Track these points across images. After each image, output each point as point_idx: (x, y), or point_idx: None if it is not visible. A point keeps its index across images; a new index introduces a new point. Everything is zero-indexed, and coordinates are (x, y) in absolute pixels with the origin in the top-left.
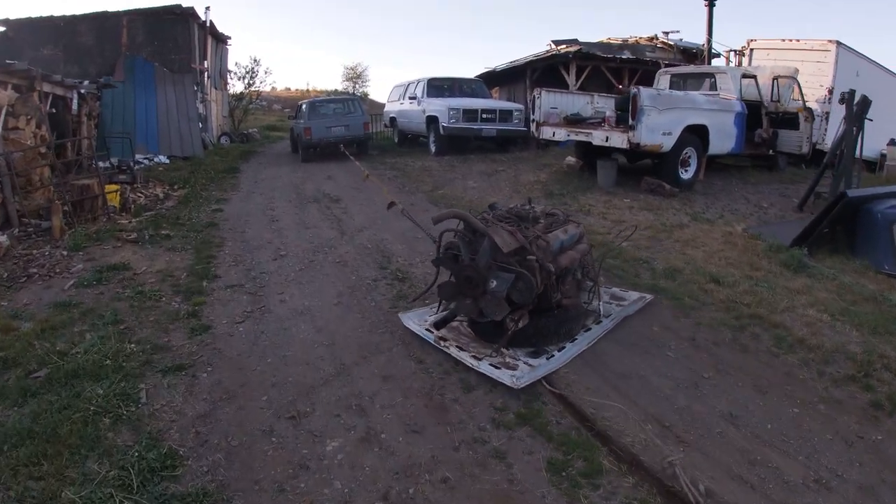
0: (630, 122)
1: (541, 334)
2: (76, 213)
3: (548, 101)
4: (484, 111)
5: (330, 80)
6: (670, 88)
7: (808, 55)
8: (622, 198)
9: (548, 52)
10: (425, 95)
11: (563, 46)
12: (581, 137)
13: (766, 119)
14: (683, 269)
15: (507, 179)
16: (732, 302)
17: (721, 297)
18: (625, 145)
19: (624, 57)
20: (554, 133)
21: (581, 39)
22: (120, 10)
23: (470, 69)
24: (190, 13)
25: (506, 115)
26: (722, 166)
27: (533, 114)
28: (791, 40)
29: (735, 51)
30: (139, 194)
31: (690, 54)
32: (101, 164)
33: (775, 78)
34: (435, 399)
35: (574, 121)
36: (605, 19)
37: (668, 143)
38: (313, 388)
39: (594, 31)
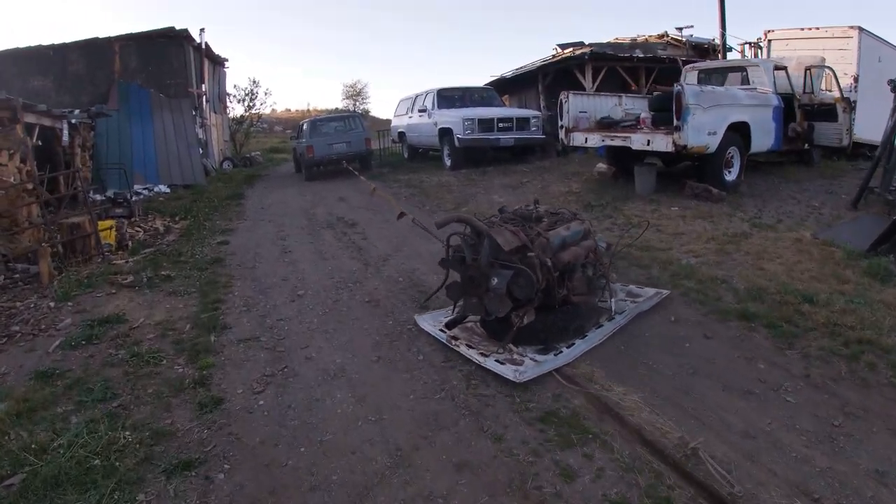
0: (674, 122)
1: (549, 331)
2: (67, 254)
3: (576, 104)
4: (500, 120)
5: (330, 99)
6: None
7: (830, 43)
8: (667, 205)
9: (554, 56)
10: (436, 107)
11: (576, 49)
12: (618, 142)
13: (799, 112)
14: (768, 287)
15: (535, 191)
16: (834, 325)
17: (820, 320)
18: (669, 148)
19: (640, 56)
20: (586, 139)
21: (586, 42)
22: (111, 35)
23: (469, 80)
24: (184, 36)
25: (523, 123)
26: (756, 164)
27: (561, 119)
28: (810, 28)
29: (750, 43)
30: (137, 229)
31: (702, 50)
32: (97, 196)
33: (808, 68)
34: (532, 497)
35: (607, 124)
36: (602, 22)
37: (713, 144)
38: (367, 489)
39: (593, 33)
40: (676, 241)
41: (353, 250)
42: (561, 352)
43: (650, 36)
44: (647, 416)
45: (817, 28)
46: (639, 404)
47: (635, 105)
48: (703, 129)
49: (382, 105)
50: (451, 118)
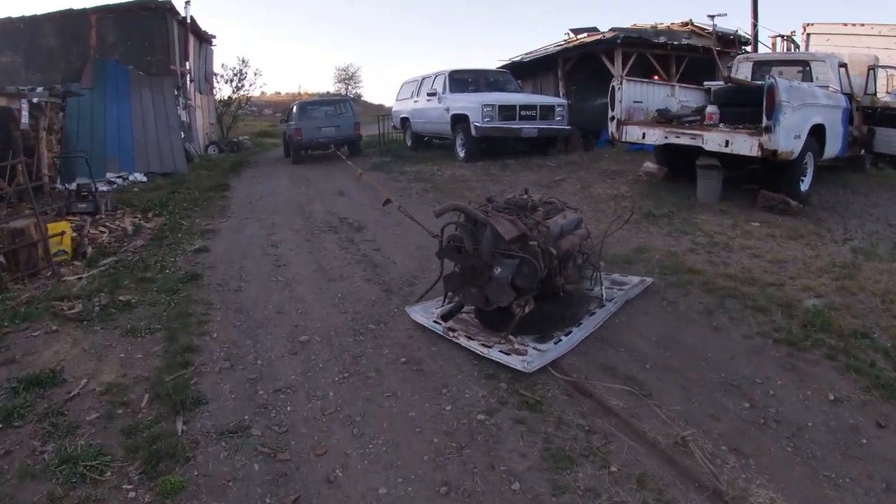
0: (764, 122)
1: (547, 320)
2: (10, 268)
3: (630, 93)
4: (523, 107)
5: (322, 82)
6: (752, 79)
7: (875, 41)
8: (743, 218)
9: (568, 41)
10: (448, 91)
11: (605, 33)
12: (685, 140)
13: (858, 115)
14: None
15: (574, 192)
16: None
17: None
18: (754, 152)
19: (674, 43)
20: (644, 134)
21: (599, 28)
22: (87, 6)
23: (472, 63)
24: (167, 8)
25: (547, 112)
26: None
27: (612, 109)
28: (854, 24)
29: (782, 36)
30: (102, 229)
31: (727, 40)
32: (66, 186)
33: (871, 68)
34: None
35: (668, 119)
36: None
37: (797, 148)
38: None
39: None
40: (783, 273)
41: (366, 267)
42: (560, 340)
43: (673, 24)
44: None
45: (862, 24)
46: None
47: (688, 96)
48: (791, 131)
49: (375, 89)
50: (467, 104)
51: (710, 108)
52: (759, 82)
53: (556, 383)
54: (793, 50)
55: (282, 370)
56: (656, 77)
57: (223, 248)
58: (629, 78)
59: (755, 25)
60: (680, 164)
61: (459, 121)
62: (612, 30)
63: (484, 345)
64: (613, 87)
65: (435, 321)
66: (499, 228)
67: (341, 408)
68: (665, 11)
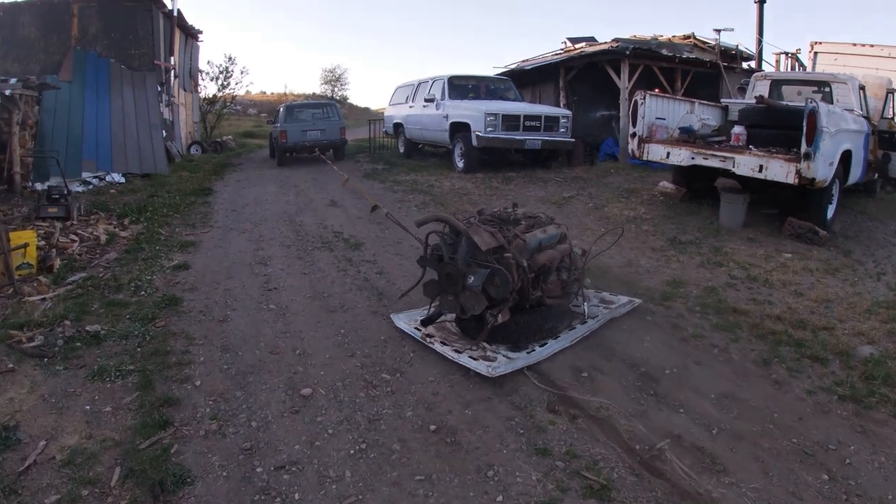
0: (804, 148)
1: (522, 331)
2: None
3: (653, 108)
4: (527, 117)
5: (308, 83)
6: (769, 97)
7: (885, 63)
8: (774, 248)
9: (566, 49)
10: (447, 97)
11: (613, 43)
12: (713, 163)
13: (872, 139)
14: None
15: (587, 212)
16: None
17: None
18: (790, 180)
19: (683, 56)
20: (669, 153)
21: (597, 38)
22: None
23: (461, 70)
24: None
25: (552, 123)
26: None
27: (633, 125)
28: (864, 45)
29: (787, 53)
30: (73, 237)
31: (729, 55)
32: (38, 186)
33: (890, 91)
34: None
35: (693, 138)
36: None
37: (829, 176)
38: None
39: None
40: (829, 314)
41: (369, 295)
42: (534, 350)
43: (674, 36)
44: None
45: (871, 45)
46: None
47: (708, 114)
48: (828, 158)
49: (362, 92)
50: (468, 111)
51: (737, 129)
52: (795, 104)
53: (620, 459)
54: (797, 69)
55: (283, 436)
56: (657, 90)
57: (206, 265)
58: (652, 93)
59: (760, 42)
60: (697, 184)
61: (459, 129)
62: (616, 40)
63: (456, 350)
64: (636, 102)
65: (416, 328)
66: (476, 239)
67: (363, 496)
68: (656, 24)
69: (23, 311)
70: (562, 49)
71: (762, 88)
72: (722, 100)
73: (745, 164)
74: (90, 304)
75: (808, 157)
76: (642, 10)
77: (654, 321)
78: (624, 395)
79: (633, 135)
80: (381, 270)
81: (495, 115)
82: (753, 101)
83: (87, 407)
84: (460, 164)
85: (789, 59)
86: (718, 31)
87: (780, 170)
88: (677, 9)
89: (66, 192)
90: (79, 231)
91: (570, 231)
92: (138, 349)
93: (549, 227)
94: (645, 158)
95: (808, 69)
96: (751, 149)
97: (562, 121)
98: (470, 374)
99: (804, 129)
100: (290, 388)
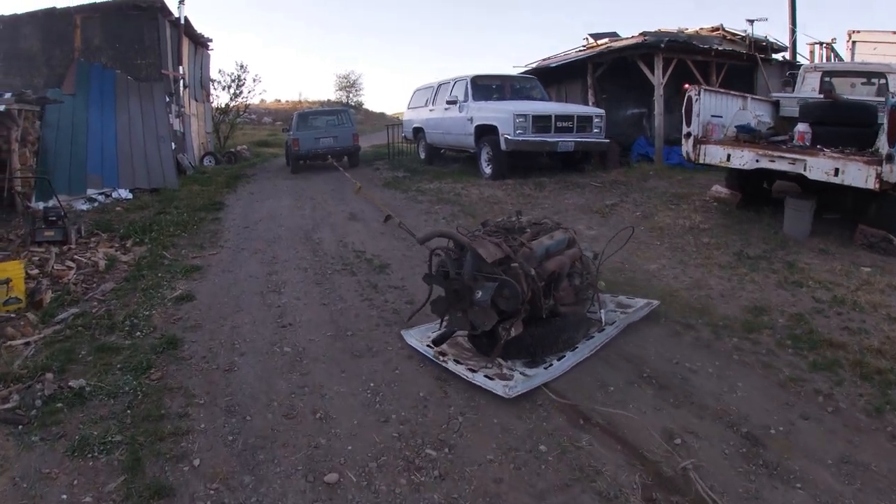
0: (887, 149)
1: (539, 344)
2: None
3: (708, 105)
4: (559, 118)
5: (323, 89)
6: (820, 91)
7: None
8: (849, 260)
9: (585, 45)
10: (471, 98)
11: (645, 36)
12: (782, 166)
13: None
14: None
15: (636, 222)
16: None
17: None
18: (870, 184)
19: (719, 49)
20: (730, 156)
21: (620, 34)
22: (71, 6)
23: (479, 70)
24: (158, 7)
25: (585, 123)
26: None
27: (687, 125)
28: None
29: (821, 43)
30: (70, 264)
31: (760, 47)
32: (40, 205)
33: None
34: None
35: (755, 138)
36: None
37: None
38: None
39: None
40: None
41: (400, 331)
42: (551, 364)
43: (701, 29)
44: None
45: None
46: None
47: (761, 110)
48: None
49: (377, 97)
50: (495, 113)
51: (801, 127)
52: (865, 99)
53: None
54: (832, 59)
55: None
56: (686, 86)
57: (212, 295)
58: (707, 88)
59: (794, 32)
60: (751, 188)
61: (485, 132)
62: (644, 34)
63: (471, 369)
64: (690, 98)
65: (427, 345)
66: (481, 251)
67: None
68: (669, 18)
69: (4, 357)
70: (584, 45)
71: (812, 81)
72: (772, 94)
73: (819, 168)
74: (78, 350)
75: (890, 159)
76: (655, 5)
77: (743, 360)
78: (730, 468)
79: (688, 135)
80: (411, 300)
81: (525, 115)
82: (809, 95)
83: (64, 496)
84: (487, 170)
85: (824, 50)
86: (751, 21)
87: (857, 174)
88: (694, 2)
89: (62, 213)
90: (76, 256)
91: (624, 246)
92: (128, 411)
93: (555, 232)
94: (702, 161)
95: (847, 59)
96: (823, 150)
97: (595, 120)
98: (538, 448)
99: (887, 126)
100: (310, 469)
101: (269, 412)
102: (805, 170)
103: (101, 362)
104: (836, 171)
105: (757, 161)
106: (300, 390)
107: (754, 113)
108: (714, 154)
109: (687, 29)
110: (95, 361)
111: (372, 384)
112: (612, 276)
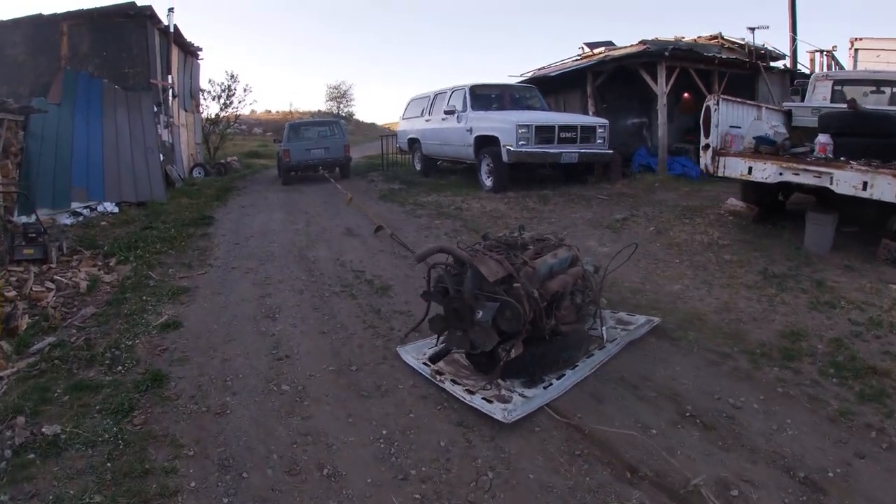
0: None
1: (539, 363)
2: None
3: (726, 115)
4: (562, 128)
5: (314, 100)
6: (832, 101)
7: None
8: (877, 277)
9: (580, 55)
10: (469, 108)
11: (647, 44)
12: (806, 179)
13: None
14: None
15: (651, 238)
16: None
17: None
18: None
19: (723, 57)
20: (752, 168)
21: (615, 42)
22: (58, 12)
23: (468, 81)
24: (147, 14)
25: (588, 133)
26: None
27: (706, 136)
28: None
29: (821, 51)
30: (49, 285)
31: (758, 55)
32: (23, 219)
33: None
34: None
35: (777, 150)
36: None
37: None
38: None
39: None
40: None
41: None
42: (551, 384)
43: (699, 37)
44: None
45: None
46: None
47: (776, 120)
48: None
49: (368, 108)
50: (496, 124)
51: (822, 138)
52: (889, 109)
53: None
54: (833, 67)
55: None
56: (686, 95)
57: (201, 322)
58: (726, 97)
59: (794, 40)
60: (766, 201)
61: (486, 143)
62: (643, 42)
63: (468, 390)
64: (709, 108)
65: (424, 363)
66: (482, 269)
67: None
68: (663, 28)
69: None
70: (579, 55)
71: (823, 90)
72: (784, 104)
73: (847, 181)
74: (53, 388)
75: None
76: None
77: (788, 392)
78: None
79: (706, 147)
80: (420, 327)
81: (527, 126)
82: (822, 104)
83: None
84: (488, 183)
85: (825, 58)
86: (752, 29)
87: (888, 188)
88: (687, 10)
89: (42, 229)
90: (57, 276)
91: (638, 263)
92: (108, 464)
93: (559, 250)
94: (721, 174)
95: (848, 67)
96: (850, 163)
97: (599, 131)
98: None
99: None
100: None
101: (269, 467)
102: (832, 183)
103: (78, 403)
104: (865, 184)
105: (780, 174)
106: (302, 439)
107: (770, 123)
108: (734, 167)
109: (684, 37)
110: (72, 402)
111: (384, 431)
112: (634, 298)
